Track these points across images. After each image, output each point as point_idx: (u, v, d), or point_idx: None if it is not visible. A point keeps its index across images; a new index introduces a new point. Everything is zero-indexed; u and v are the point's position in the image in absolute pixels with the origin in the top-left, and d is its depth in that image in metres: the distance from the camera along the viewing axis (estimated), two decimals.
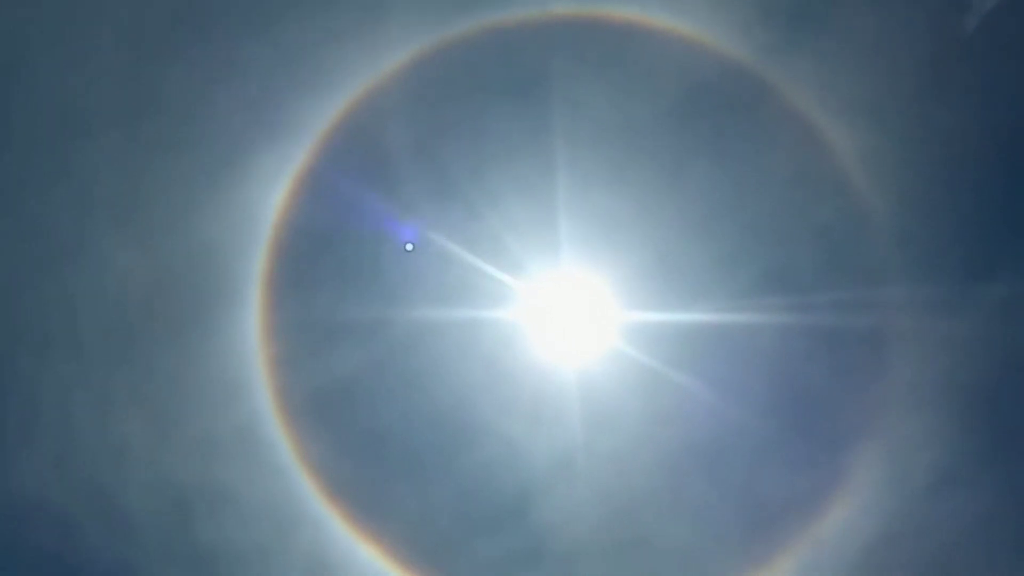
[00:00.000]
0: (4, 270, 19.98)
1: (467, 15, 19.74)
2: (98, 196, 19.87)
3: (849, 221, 19.42)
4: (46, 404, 20.05)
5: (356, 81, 20.26)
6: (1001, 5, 16.83)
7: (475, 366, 20.17)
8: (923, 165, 19.00)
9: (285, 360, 20.20)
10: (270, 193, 20.26)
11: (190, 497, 20.67)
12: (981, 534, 18.92)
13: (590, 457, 19.89)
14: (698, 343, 19.31)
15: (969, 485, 18.80)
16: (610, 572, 20.17)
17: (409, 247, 19.73)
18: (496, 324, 19.97)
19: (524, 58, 20.07)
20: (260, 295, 19.95)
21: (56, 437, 20.15)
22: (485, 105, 20.60)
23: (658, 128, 19.51)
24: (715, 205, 19.46)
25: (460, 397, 20.37)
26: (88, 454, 20.43)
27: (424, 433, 20.88)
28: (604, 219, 19.72)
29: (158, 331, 20.16)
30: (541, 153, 19.60)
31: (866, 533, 19.50)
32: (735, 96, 18.97)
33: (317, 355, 20.44)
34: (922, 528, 19.20)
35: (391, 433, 20.81)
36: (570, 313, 20.08)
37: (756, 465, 19.72)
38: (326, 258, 20.73)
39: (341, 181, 20.82)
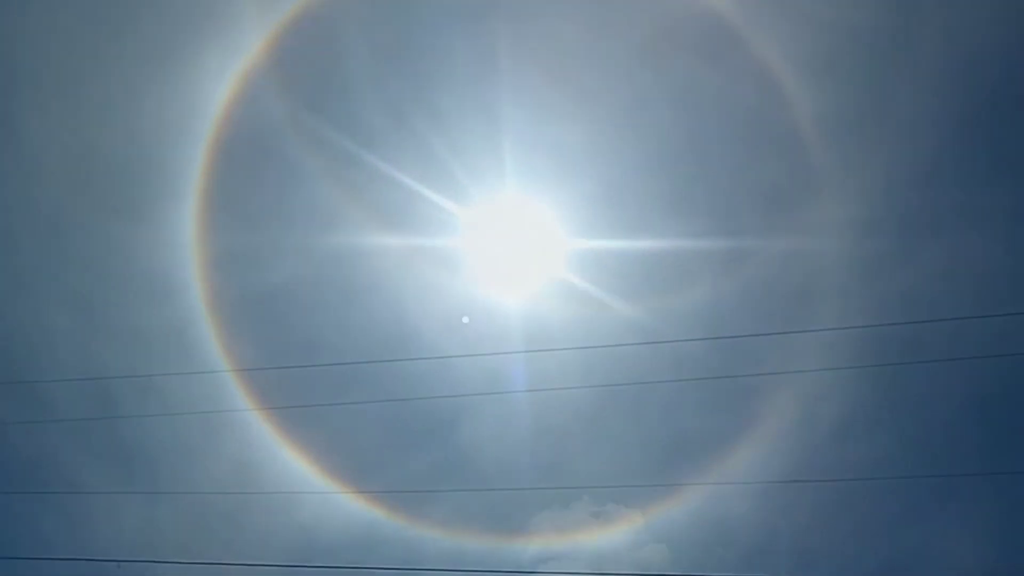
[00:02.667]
0: None
1: None
2: (38, 70, 19.07)
3: (795, 175, 19.68)
4: None
5: None
6: None
7: (415, 289, 20.21)
8: (875, 128, 19.26)
9: (219, 264, 19.92)
10: (215, 90, 19.66)
11: (115, 388, 20.55)
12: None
13: (522, 381, 20.20)
14: (638, 271, 19.53)
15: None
16: (526, 496, 20.74)
17: (465, 320, 19.57)
18: (440, 250, 19.92)
19: None
20: (198, 196, 19.52)
21: None
22: (436, 24, 20.09)
23: (618, 63, 19.33)
24: (665, 143, 19.49)
25: (397, 317, 20.43)
26: (13, 341, 20.14)
27: (356, 349, 20.95)
28: (553, 148, 19.64)
29: (92, 218, 19.69)
30: (493, 77, 19.29)
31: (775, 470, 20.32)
32: (700, 41, 18.81)
33: (253, 265, 20.23)
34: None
35: (323, 345, 20.85)
36: (514, 240, 20.10)
37: (682, 398, 20.26)
38: (268, 168, 20.33)
39: (285, 91, 20.29)
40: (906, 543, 19.20)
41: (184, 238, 19.55)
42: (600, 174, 19.57)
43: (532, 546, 20.47)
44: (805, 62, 18.41)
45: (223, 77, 19.54)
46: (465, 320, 20.11)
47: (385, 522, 20.26)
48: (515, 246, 19.99)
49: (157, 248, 19.99)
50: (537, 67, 19.28)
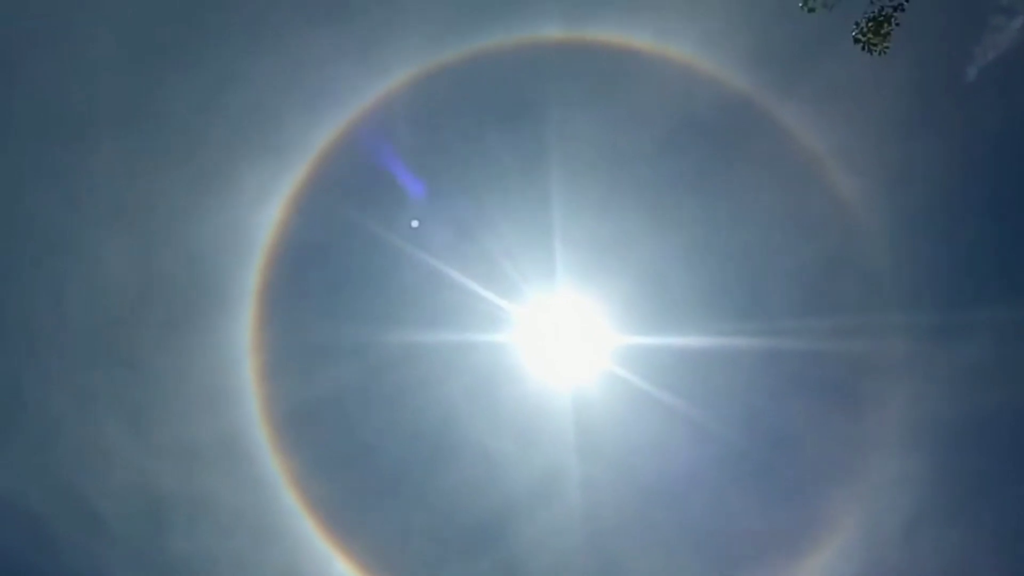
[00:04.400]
0: None
1: (466, 39, 20.09)
2: (97, 198, 19.92)
3: (832, 257, 19.92)
4: (31, 402, 19.90)
5: (354, 101, 20.53)
6: (999, 58, 17.57)
7: (466, 387, 20.28)
8: (907, 209, 19.63)
9: (275, 372, 20.18)
10: (267, 207, 20.38)
11: (168, 504, 20.50)
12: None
13: (574, 482, 20.00)
14: (688, 367, 19.58)
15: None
16: None
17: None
18: (490, 346, 20.12)
19: (524, 83, 20.45)
20: (253, 307, 19.96)
21: (38, 436, 19.96)
22: (482, 130, 20.93)
23: (654, 157, 19.96)
24: (707, 234, 19.86)
25: (449, 417, 20.46)
26: (69, 455, 20.25)
27: (408, 452, 20.91)
28: (598, 245, 20.04)
29: (149, 335, 20.11)
30: (538, 178, 19.94)
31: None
32: (731, 130, 19.48)
33: (307, 369, 20.47)
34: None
35: (377, 450, 20.83)
36: (563, 336, 20.29)
37: (738, 497, 19.93)
38: (321, 274, 20.82)
39: (336, 201, 20.97)
40: None
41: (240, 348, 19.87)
42: (647, 267, 19.86)
43: None
44: (836, 147, 18.90)
45: (274, 195, 20.28)
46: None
47: None
48: (565, 341, 20.15)
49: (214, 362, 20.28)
50: (584, 165, 19.89)
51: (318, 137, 20.61)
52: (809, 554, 19.98)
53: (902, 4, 10.00)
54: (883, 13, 9.99)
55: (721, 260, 19.69)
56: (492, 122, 20.74)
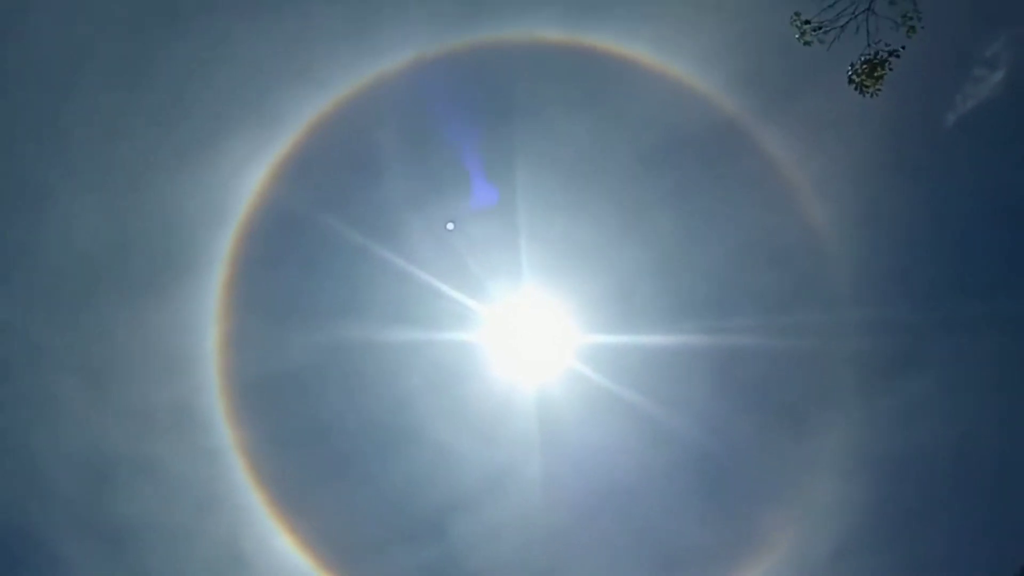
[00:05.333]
0: None
1: (459, 32, 20.10)
2: (74, 154, 19.56)
3: (800, 283, 20.40)
4: None
5: (344, 82, 20.44)
6: (980, 105, 18.17)
7: (429, 381, 20.34)
8: (872, 241, 20.18)
9: (238, 343, 20.04)
10: (246, 178, 20.22)
11: (116, 468, 20.29)
12: None
13: (529, 478, 20.20)
14: (651, 366, 19.83)
15: None
16: None
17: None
18: (455, 344, 20.18)
19: (505, 82, 20.52)
20: (223, 276, 19.80)
21: None
22: (456, 126, 20.93)
23: (629, 165, 20.19)
24: (674, 241, 20.15)
25: (408, 409, 20.51)
26: (17, 411, 19.93)
27: (364, 438, 20.93)
28: (565, 246, 20.20)
29: (114, 295, 19.87)
30: (508, 178, 20.03)
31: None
32: (710, 148, 19.79)
33: (271, 345, 20.36)
34: None
35: (332, 432, 20.84)
36: (528, 334, 20.44)
37: (693, 498, 20.25)
38: (295, 254, 20.70)
39: (317, 183, 20.86)
40: None
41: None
42: (613, 268, 20.08)
43: None
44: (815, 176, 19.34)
45: (254, 167, 20.13)
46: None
47: None
48: (529, 340, 20.32)
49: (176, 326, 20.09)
50: (553, 168, 20.04)
51: (304, 115, 20.51)
52: (757, 557, 20.38)
53: (898, 50, 10.33)
54: (878, 56, 10.33)
55: (686, 264, 20.05)
56: (465, 118, 20.81)
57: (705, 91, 18.21)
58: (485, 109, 20.92)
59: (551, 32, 19.52)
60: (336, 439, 20.86)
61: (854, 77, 10.44)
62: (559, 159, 20.30)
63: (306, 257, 20.84)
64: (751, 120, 19.04)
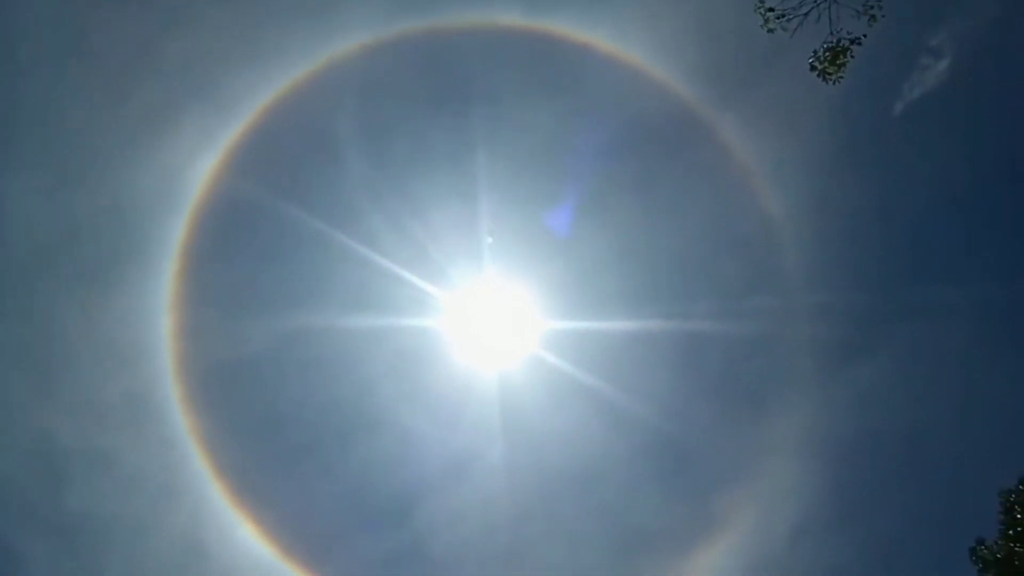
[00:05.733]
0: None
1: (420, 16, 19.80)
2: (16, 133, 18.95)
3: (757, 270, 20.66)
4: None
5: (300, 64, 20.04)
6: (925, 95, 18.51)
7: (389, 368, 20.20)
8: (823, 227, 20.50)
9: (193, 331, 19.64)
10: (200, 161, 19.76)
11: (69, 460, 19.84)
12: None
13: (491, 464, 20.21)
14: (612, 351, 19.92)
15: None
16: None
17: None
18: (416, 330, 20.03)
19: (467, 68, 20.32)
20: (176, 263, 19.37)
21: None
22: (416, 111, 20.67)
23: (592, 152, 20.20)
24: (634, 228, 20.25)
25: (368, 395, 20.38)
26: None
27: (323, 425, 20.77)
28: (526, 232, 20.17)
29: (62, 283, 19.34)
30: (470, 164, 19.89)
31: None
32: (669, 134, 19.87)
33: (227, 333, 20.00)
34: None
35: (291, 419, 20.65)
36: (490, 320, 20.38)
37: (653, 484, 20.44)
38: (251, 241, 20.34)
39: (272, 168, 20.49)
40: None
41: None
42: (574, 257, 20.11)
43: None
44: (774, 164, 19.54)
45: (207, 152, 19.68)
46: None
47: None
48: (491, 326, 20.27)
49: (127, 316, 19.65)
50: (518, 154, 19.96)
51: (258, 98, 20.08)
52: (717, 537, 20.65)
53: (859, 38, 10.38)
54: (841, 44, 10.36)
55: (645, 251, 20.19)
56: (426, 103, 20.60)
57: (664, 79, 18.23)
58: (444, 94, 20.73)
59: (511, 18, 19.37)
60: (297, 427, 20.67)
61: (816, 64, 10.49)
62: (514, 145, 20.24)
63: (262, 244, 20.55)
64: (710, 109, 19.16)
